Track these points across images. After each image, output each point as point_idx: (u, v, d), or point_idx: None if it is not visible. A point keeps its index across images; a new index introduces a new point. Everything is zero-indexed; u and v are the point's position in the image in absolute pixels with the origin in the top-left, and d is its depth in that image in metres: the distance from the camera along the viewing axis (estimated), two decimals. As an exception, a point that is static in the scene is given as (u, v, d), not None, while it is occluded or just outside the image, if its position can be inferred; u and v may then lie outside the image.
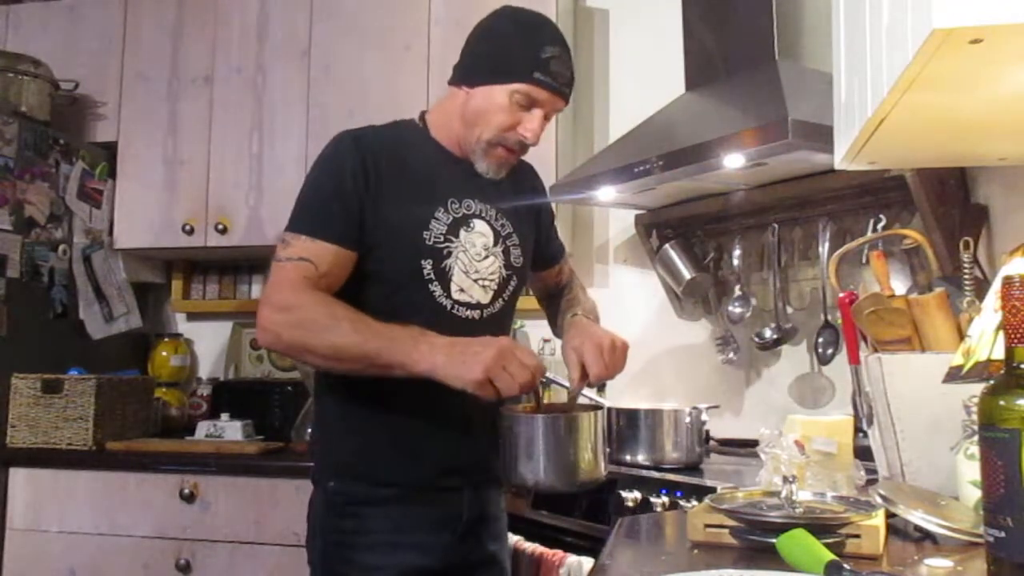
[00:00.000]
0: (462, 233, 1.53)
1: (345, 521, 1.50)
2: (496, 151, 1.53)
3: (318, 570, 1.54)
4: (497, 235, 1.58)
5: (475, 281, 1.53)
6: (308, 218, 1.47)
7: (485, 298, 1.55)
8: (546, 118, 1.53)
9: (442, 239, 1.50)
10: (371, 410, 1.51)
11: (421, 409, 1.49)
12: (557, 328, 1.74)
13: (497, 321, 1.58)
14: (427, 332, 1.37)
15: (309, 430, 2.57)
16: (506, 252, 1.59)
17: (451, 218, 1.52)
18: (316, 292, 1.40)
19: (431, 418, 1.50)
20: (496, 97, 1.48)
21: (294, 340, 1.39)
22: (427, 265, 1.49)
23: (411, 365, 1.34)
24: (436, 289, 1.49)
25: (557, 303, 1.78)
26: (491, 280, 1.56)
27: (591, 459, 1.42)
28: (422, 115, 1.64)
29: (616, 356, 1.51)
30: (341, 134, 1.54)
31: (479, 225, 1.55)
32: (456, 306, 1.51)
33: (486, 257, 1.55)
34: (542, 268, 1.78)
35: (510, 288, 1.60)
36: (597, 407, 1.51)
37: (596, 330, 1.58)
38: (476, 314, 1.54)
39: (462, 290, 1.52)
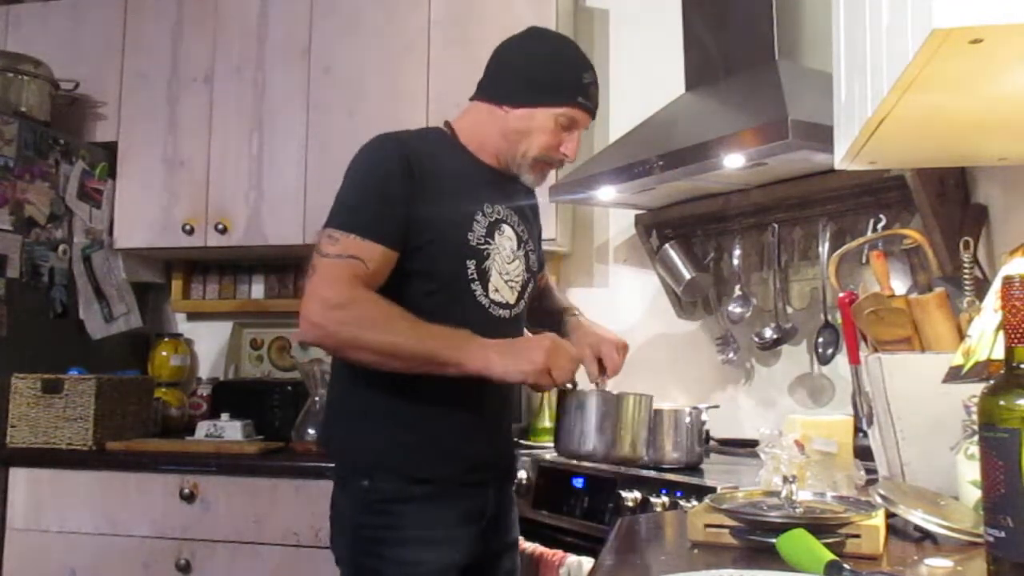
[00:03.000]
0: (496, 236, 1.61)
1: (377, 518, 1.54)
2: (539, 166, 1.66)
3: (348, 567, 1.58)
4: (519, 239, 1.67)
5: (506, 282, 1.62)
6: (357, 217, 1.50)
7: (512, 298, 1.64)
8: (580, 131, 1.67)
9: (482, 241, 1.59)
10: (407, 407, 1.55)
11: (455, 407, 1.56)
12: (543, 323, 1.83)
13: (519, 320, 1.69)
14: (475, 335, 1.46)
15: (311, 429, 2.58)
16: (526, 256, 1.69)
17: (487, 221, 1.61)
18: (369, 291, 1.46)
19: (465, 416, 1.58)
20: (541, 119, 1.60)
21: (348, 336, 1.44)
22: (471, 265, 1.56)
23: (466, 363, 1.43)
24: (477, 288, 1.57)
25: (542, 302, 1.88)
26: (517, 282, 1.65)
27: (644, 435, 1.63)
28: (448, 124, 1.70)
29: (623, 355, 1.69)
30: (381, 137, 1.60)
31: (507, 230, 1.64)
32: (492, 305, 1.60)
33: (513, 260, 1.65)
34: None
35: (528, 290, 1.70)
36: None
37: (605, 330, 1.74)
38: (506, 313, 1.63)
39: (496, 290, 1.61)
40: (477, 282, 1.57)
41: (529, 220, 1.75)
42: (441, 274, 1.55)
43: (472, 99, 1.69)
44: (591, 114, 1.65)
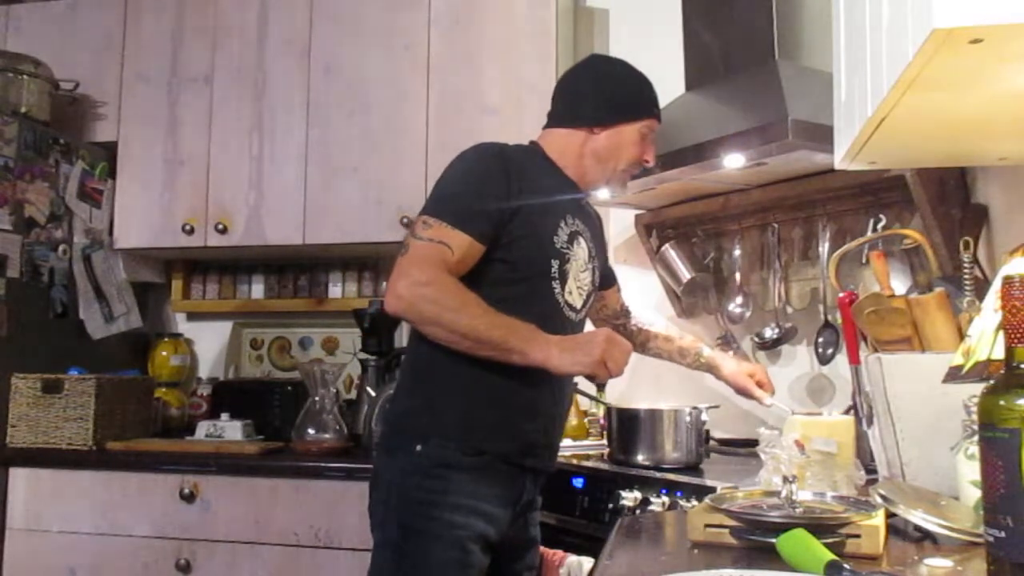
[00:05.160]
0: (575, 245, 1.74)
1: (431, 482, 1.61)
2: (626, 175, 1.86)
3: (391, 529, 1.63)
4: (590, 254, 1.80)
5: (578, 287, 1.75)
6: (452, 208, 1.61)
7: (579, 304, 1.77)
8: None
9: (565, 246, 1.72)
10: (474, 382, 1.64)
11: (518, 390, 1.65)
12: (688, 356, 2.20)
13: (582, 325, 1.83)
14: (540, 330, 1.57)
15: (311, 429, 2.57)
16: (593, 271, 1.82)
17: (569, 230, 1.74)
18: (451, 275, 1.56)
19: (524, 400, 1.68)
20: (628, 134, 1.79)
21: (428, 312, 1.55)
22: (555, 264, 1.69)
23: (529, 353, 1.54)
24: (557, 287, 1.70)
25: (655, 333, 2.23)
26: (585, 290, 1.79)
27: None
28: (535, 143, 1.85)
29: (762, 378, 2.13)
30: (485, 144, 1.74)
31: (583, 242, 1.77)
32: (565, 306, 1.72)
33: (586, 269, 1.78)
34: (607, 287, 2.07)
35: (591, 302, 1.84)
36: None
37: (749, 364, 2.19)
38: (574, 316, 1.76)
39: (571, 293, 1.74)
40: (557, 280, 1.70)
41: (597, 239, 1.88)
42: (527, 267, 1.67)
43: (548, 127, 1.85)
44: (660, 121, 1.85)
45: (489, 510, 1.64)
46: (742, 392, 2.13)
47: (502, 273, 1.65)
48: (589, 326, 1.96)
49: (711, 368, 2.17)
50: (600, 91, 1.81)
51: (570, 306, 1.74)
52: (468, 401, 1.66)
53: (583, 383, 2.51)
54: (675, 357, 2.21)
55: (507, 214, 1.63)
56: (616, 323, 2.15)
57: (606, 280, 2.03)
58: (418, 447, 1.63)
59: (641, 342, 2.21)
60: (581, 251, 1.76)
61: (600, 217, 1.99)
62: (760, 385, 2.10)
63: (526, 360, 1.55)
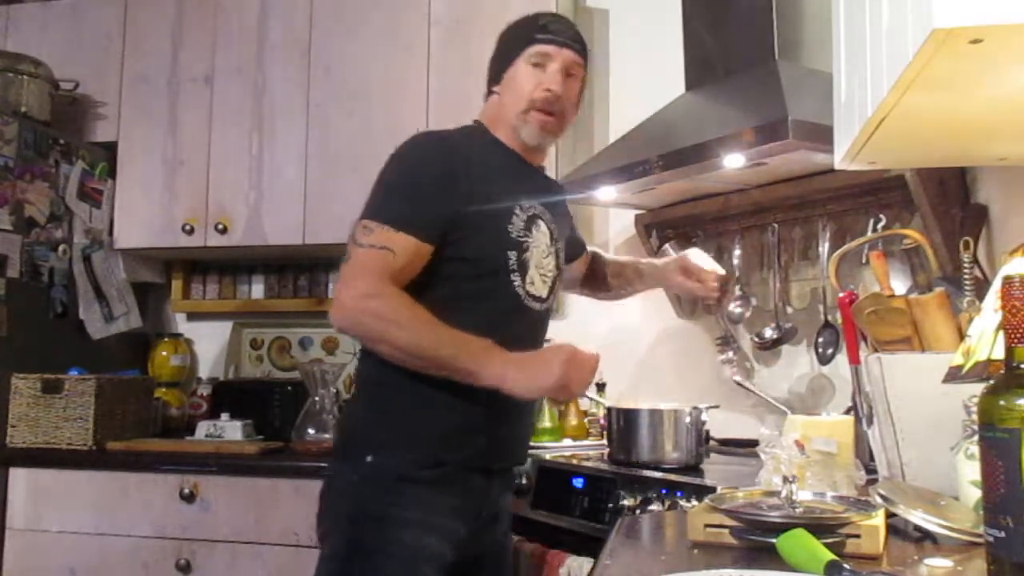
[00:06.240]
0: (533, 230, 1.64)
1: (382, 495, 1.52)
2: (531, 116, 1.65)
3: (340, 545, 1.53)
4: (552, 236, 1.70)
5: (541, 276, 1.65)
6: (393, 209, 1.52)
7: (544, 292, 1.67)
8: (568, 75, 1.67)
9: (522, 234, 1.62)
10: (427, 388, 1.53)
11: (475, 396, 1.53)
12: (623, 277, 2.03)
13: (548, 314, 1.73)
14: (496, 346, 1.47)
15: (311, 429, 2.57)
16: (557, 253, 1.72)
17: (526, 216, 1.64)
18: (397, 287, 1.48)
19: (482, 407, 1.55)
20: (516, 73, 1.65)
21: (374, 329, 1.48)
22: (512, 256, 1.60)
23: (481, 373, 1.46)
24: (516, 279, 1.60)
25: (598, 267, 2.05)
26: (549, 276, 1.68)
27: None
28: (477, 122, 1.74)
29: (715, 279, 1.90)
30: (423, 134, 1.65)
31: (542, 225, 1.67)
32: (527, 297, 1.63)
33: (548, 255, 1.68)
34: (576, 257, 1.98)
35: (557, 285, 1.73)
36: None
37: (683, 259, 1.94)
38: (538, 306, 1.66)
39: (532, 283, 1.64)
40: (516, 273, 1.60)
41: (560, 217, 1.78)
42: (483, 262, 1.58)
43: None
44: (563, 45, 1.66)
45: (447, 525, 1.54)
46: (679, 289, 2.00)
47: (456, 270, 1.57)
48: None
49: (653, 276, 2.01)
50: (495, 50, 1.73)
51: (533, 296, 1.64)
52: (424, 408, 1.56)
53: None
54: (636, 284, 2.06)
55: (453, 209, 1.54)
56: (586, 287, 2.07)
57: (574, 249, 1.94)
58: (369, 458, 1.54)
59: (616, 287, 2.07)
60: (541, 236, 1.66)
61: (560, 185, 1.88)
62: (687, 272, 1.90)
63: (479, 381, 1.46)
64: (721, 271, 1.91)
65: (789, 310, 2.46)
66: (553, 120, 1.66)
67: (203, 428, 2.69)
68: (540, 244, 1.66)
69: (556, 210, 1.76)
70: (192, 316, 3.34)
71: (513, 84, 1.66)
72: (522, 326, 1.61)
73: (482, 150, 1.65)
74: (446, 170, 1.55)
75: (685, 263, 1.91)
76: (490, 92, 1.73)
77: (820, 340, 2.33)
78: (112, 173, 2.99)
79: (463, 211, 1.54)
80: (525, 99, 1.64)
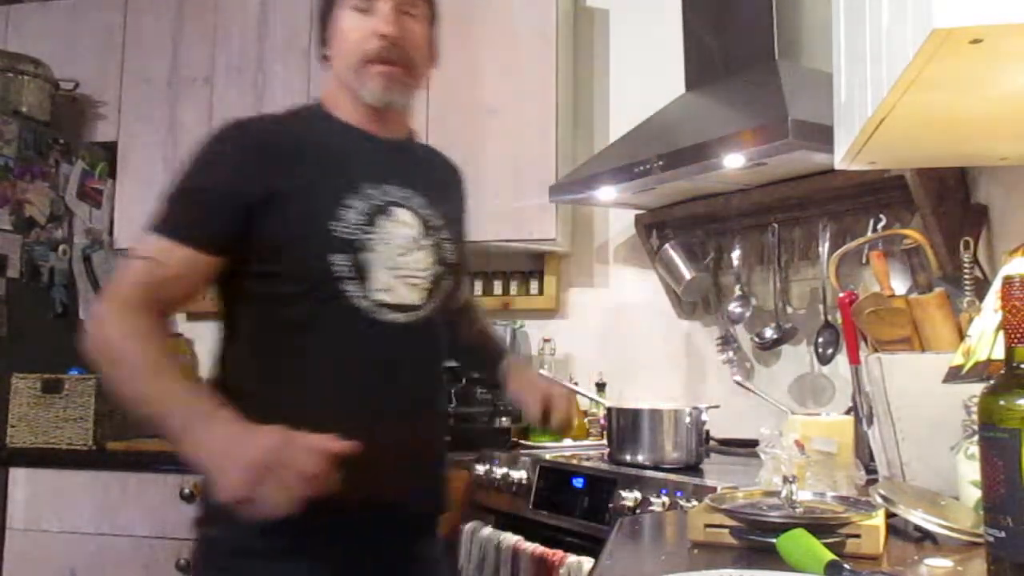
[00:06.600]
0: (383, 222, 1.32)
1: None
2: (368, 69, 1.36)
3: None
4: (425, 225, 1.38)
5: (402, 278, 1.33)
6: (166, 216, 1.29)
7: (415, 298, 1.34)
8: (403, 13, 1.38)
9: (358, 229, 1.30)
10: (269, 410, 1.21)
11: (349, 413, 1.27)
12: (472, 360, 1.76)
13: (428, 326, 1.38)
14: (224, 416, 1.19)
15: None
16: (438, 246, 1.39)
17: (367, 205, 1.32)
18: (145, 315, 1.24)
19: (362, 420, 1.25)
20: (340, 25, 1.37)
21: (103, 365, 1.27)
22: (337, 260, 1.28)
23: (177, 441, 1.23)
24: (350, 288, 1.28)
25: (468, 323, 1.68)
26: (421, 277, 1.35)
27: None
28: (318, 103, 1.46)
29: (571, 408, 1.58)
30: (224, 123, 1.36)
31: (402, 214, 1.35)
32: (379, 308, 1.30)
33: (414, 250, 1.35)
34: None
35: (443, 287, 1.40)
36: None
37: (554, 385, 1.62)
38: (403, 317, 1.33)
39: (389, 289, 1.31)
40: (352, 281, 1.28)
41: (445, 202, 1.45)
42: (302, 275, 1.28)
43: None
44: None
45: None
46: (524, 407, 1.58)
47: (271, 290, 1.29)
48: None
49: (505, 377, 1.62)
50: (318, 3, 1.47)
51: (393, 306, 1.31)
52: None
53: (584, 384, 2.52)
54: (484, 364, 1.72)
55: (244, 212, 1.26)
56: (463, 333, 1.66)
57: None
58: (212, 531, 1.30)
59: (465, 344, 1.68)
60: (397, 228, 1.33)
61: (457, 170, 1.57)
62: (548, 408, 1.52)
63: (180, 451, 1.20)
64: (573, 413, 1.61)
65: (789, 310, 2.46)
66: (398, 70, 1.37)
67: (203, 428, 2.69)
68: (396, 238, 1.33)
69: (435, 190, 1.43)
70: (192, 316, 3.33)
71: (340, 38, 1.37)
72: (379, 346, 1.30)
73: (305, 133, 1.37)
74: (238, 161, 1.30)
75: (549, 397, 1.54)
76: (325, 59, 1.43)
77: (820, 340, 2.33)
78: (112, 173, 2.99)
79: (265, 208, 1.27)
80: (356, 53, 1.35)
